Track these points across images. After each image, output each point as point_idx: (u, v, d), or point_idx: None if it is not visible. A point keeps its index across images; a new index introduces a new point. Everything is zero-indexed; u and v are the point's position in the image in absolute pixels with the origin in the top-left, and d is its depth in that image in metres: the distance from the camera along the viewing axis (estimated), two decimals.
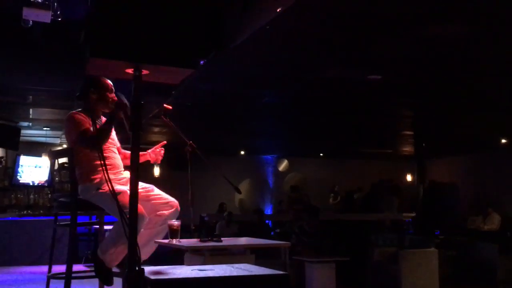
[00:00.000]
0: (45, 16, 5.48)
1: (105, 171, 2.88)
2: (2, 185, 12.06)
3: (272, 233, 11.52)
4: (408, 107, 10.51)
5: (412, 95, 9.29)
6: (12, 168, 12.17)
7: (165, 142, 4.39)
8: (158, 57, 2.47)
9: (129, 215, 2.53)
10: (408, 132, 13.59)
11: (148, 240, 4.09)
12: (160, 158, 4.32)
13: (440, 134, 13.84)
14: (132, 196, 2.52)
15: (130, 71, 2.53)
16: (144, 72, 2.53)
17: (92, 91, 4.04)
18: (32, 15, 5.50)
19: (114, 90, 4.05)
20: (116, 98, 3.93)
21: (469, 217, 14.76)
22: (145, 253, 4.17)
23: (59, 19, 5.59)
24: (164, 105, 4.63)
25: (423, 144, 15.11)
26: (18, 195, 12.15)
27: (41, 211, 11.60)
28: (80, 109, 4.11)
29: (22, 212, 11.28)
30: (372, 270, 8.83)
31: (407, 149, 16.39)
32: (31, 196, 12.27)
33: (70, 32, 5.51)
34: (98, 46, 2.38)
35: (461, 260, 9.66)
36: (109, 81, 4.07)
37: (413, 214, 14.40)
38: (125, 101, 3.53)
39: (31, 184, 12.21)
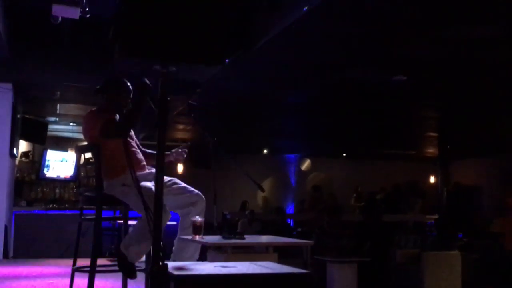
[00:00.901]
0: (74, 13, 5.56)
1: (130, 167, 2.92)
2: (29, 179, 12.23)
3: (294, 233, 11.50)
4: (433, 108, 10.42)
5: (437, 96, 9.21)
6: (39, 162, 12.34)
7: (189, 143, 4.40)
8: (185, 55, 2.49)
9: (154, 211, 2.55)
10: (432, 134, 13.48)
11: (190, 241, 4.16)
12: (182, 158, 4.34)
13: (465, 136, 13.70)
14: (157, 193, 2.54)
15: (157, 67, 2.56)
16: (171, 69, 2.56)
17: (111, 89, 4.08)
18: (61, 11, 5.59)
19: (131, 96, 4.07)
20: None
21: (493, 220, 14.56)
22: (193, 253, 4.23)
23: (88, 16, 5.67)
24: (190, 102, 4.67)
25: (447, 146, 14.96)
26: (45, 189, 12.32)
27: (67, 205, 11.74)
28: (95, 108, 4.17)
29: (48, 206, 11.43)
30: (394, 272, 8.77)
31: (431, 150, 16.25)
32: (57, 190, 12.43)
33: (98, 29, 5.58)
34: (126, 44, 2.40)
35: (484, 264, 9.55)
36: (130, 86, 4.09)
37: (436, 216, 14.27)
38: (148, 83, 3.45)
39: (57, 178, 12.37)
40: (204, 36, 2.51)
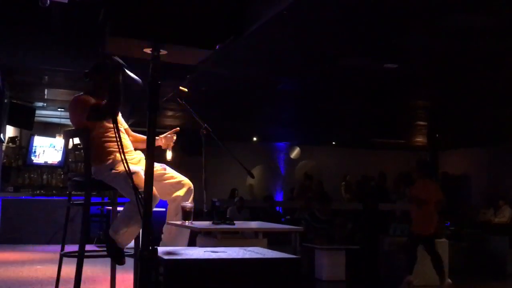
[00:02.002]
0: None
1: (120, 151, 2.89)
2: (16, 164, 12.16)
3: (282, 220, 11.52)
4: (423, 97, 10.44)
5: (428, 85, 9.22)
6: (26, 148, 12.26)
7: (178, 129, 4.38)
8: (177, 37, 2.46)
9: (144, 195, 2.53)
10: (421, 123, 13.51)
11: (179, 230, 4.14)
12: (172, 144, 4.34)
13: (454, 126, 13.76)
14: (147, 177, 2.51)
15: (148, 50, 2.53)
16: (162, 52, 2.53)
17: (99, 74, 4.03)
18: None
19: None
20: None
21: (481, 209, 14.70)
22: (182, 242, 4.21)
23: (77, 0, 5.60)
24: (180, 87, 4.63)
25: (437, 135, 15.03)
26: (32, 175, 12.26)
27: (54, 191, 11.69)
28: (82, 93, 4.11)
29: (35, 192, 11.38)
30: (382, 259, 8.83)
31: (420, 139, 16.31)
32: (44, 176, 12.38)
33: (88, 13, 5.51)
34: (117, 24, 2.37)
35: (471, 252, 9.64)
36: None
37: None
38: (120, 61, 3.39)
39: (44, 164, 12.29)
40: (197, 18, 2.48)
